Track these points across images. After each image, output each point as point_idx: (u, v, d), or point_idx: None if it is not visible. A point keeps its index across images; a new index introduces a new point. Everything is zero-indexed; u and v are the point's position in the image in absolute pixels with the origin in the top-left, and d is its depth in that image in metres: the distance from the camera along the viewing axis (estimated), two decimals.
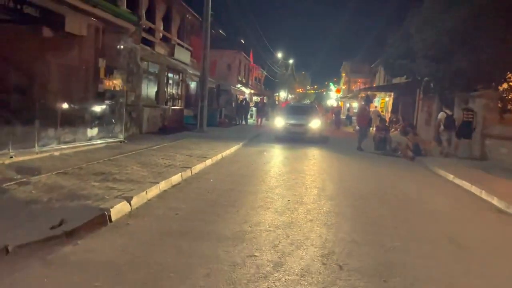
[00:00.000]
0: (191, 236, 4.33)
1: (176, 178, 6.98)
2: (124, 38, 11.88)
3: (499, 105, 13.11)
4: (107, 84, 10.92)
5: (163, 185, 6.37)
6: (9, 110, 7.76)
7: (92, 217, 4.45)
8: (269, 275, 3.45)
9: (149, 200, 5.68)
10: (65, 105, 9.04)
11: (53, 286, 3.08)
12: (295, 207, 5.76)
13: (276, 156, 11.74)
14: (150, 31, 16.66)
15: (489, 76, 13.10)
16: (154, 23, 16.94)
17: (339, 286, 3.34)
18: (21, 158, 7.02)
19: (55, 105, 8.47)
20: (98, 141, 9.92)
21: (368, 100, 17.85)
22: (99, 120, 10.22)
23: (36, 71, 8.89)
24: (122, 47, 11.78)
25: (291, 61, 60.71)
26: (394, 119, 23.76)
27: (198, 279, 3.30)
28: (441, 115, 12.73)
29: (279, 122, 16.28)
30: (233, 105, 27.19)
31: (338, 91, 49.76)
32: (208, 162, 9.12)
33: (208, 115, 17.81)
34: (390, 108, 27.70)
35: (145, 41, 15.55)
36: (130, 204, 5.16)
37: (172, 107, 18.27)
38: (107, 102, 10.78)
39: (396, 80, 25.07)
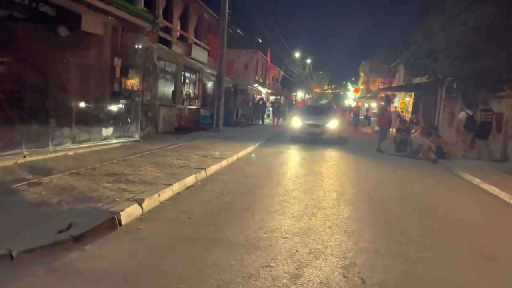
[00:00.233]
0: (203, 242, 4.12)
1: (190, 180, 6.80)
2: (141, 37, 11.79)
3: None
4: (123, 83, 10.84)
5: (176, 187, 6.19)
6: (24, 109, 7.72)
7: (101, 221, 4.29)
8: None
9: (161, 202, 5.50)
10: (80, 104, 8.98)
11: None
12: (313, 212, 5.48)
13: (293, 157, 11.46)
14: (167, 30, 16.59)
15: None
16: (171, 22, 16.87)
17: None
18: (34, 158, 6.96)
19: (70, 104, 8.40)
20: (113, 141, 9.84)
21: (388, 100, 17.34)
22: (115, 120, 10.14)
23: (51, 70, 8.86)
24: (138, 46, 11.69)
25: (308, 61, 60.14)
26: (414, 120, 23.14)
27: None
28: (462, 115, 12.29)
29: (296, 122, 15.96)
30: (249, 105, 26.99)
31: (356, 91, 49.01)
32: (224, 163, 8.92)
33: (224, 115, 17.65)
34: (410, 109, 27.01)
35: (162, 40, 15.48)
36: (141, 207, 4.99)
37: (189, 107, 18.18)
38: (122, 101, 10.71)
39: (416, 80, 24.43)
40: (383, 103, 17.57)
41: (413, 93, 26.19)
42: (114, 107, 10.35)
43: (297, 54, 52.78)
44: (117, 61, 10.59)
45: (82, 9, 8.85)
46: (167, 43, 16.16)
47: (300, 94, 57.09)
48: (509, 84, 12.80)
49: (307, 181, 7.78)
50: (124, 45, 11.13)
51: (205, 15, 21.41)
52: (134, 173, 6.76)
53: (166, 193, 5.79)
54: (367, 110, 34.24)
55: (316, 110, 17.66)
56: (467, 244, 4.66)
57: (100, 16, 9.61)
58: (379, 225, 5.17)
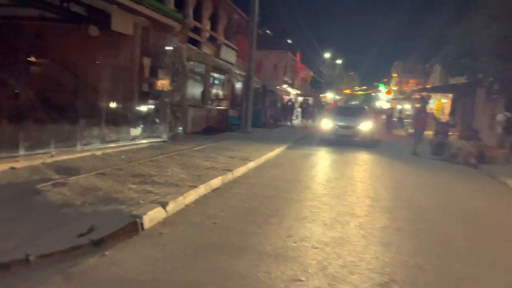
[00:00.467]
0: (228, 251, 3.86)
1: (216, 182, 6.58)
2: (170, 37, 11.74)
3: None
4: (152, 83, 10.81)
5: (202, 190, 5.97)
6: (54, 109, 7.76)
7: (124, 225, 4.11)
8: None
9: (186, 205, 5.30)
10: (109, 104, 8.99)
11: None
12: (345, 220, 5.12)
13: (322, 160, 11.06)
14: (197, 30, 16.57)
15: None
16: (201, 22, 16.84)
17: None
18: (62, 157, 6.94)
19: (99, 104, 8.41)
20: (142, 141, 9.79)
21: (425, 101, 16.58)
22: (143, 120, 10.11)
23: (81, 70, 8.91)
24: (168, 46, 11.64)
25: (339, 61, 59.09)
26: (451, 122, 22.08)
27: None
28: (501, 117, 11.57)
29: (326, 124, 15.50)
30: (278, 106, 26.67)
31: (388, 92, 47.68)
32: (251, 164, 8.67)
33: (252, 116, 17.44)
34: (447, 111, 25.85)
35: (192, 41, 15.44)
36: (165, 210, 4.79)
37: (217, 107, 18.07)
38: (151, 101, 10.67)
39: (454, 81, 23.33)
40: (418, 105, 16.84)
41: (450, 95, 25.06)
42: (143, 107, 10.32)
43: (327, 55, 51.98)
44: (146, 61, 10.56)
45: (113, 8, 8.83)
46: (196, 43, 16.12)
47: (330, 95, 56.14)
48: None
49: (339, 185, 7.39)
50: (153, 45, 11.09)
51: (234, 15, 21.31)
52: (160, 174, 6.61)
53: (191, 196, 5.59)
54: (401, 112, 33.01)
55: (347, 112, 17.13)
56: None
57: (130, 16, 9.59)
58: (419, 236, 4.75)
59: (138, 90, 10.53)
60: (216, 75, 18.20)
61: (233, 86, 22.05)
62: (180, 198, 5.26)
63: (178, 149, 9.69)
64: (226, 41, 20.08)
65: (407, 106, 37.87)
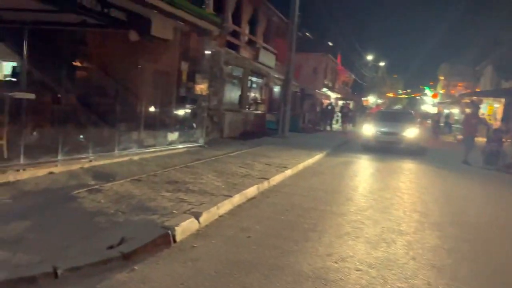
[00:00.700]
0: (262, 269, 3.58)
1: (251, 191, 6.33)
2: (209, 42, 11.69)
3: None
4: (190, 88, 10.78)
5: (237, 199, 5.75)
6: (93, 113, 7.86)
7: (155, 237, 3.94)
8: None
9: (220, 216, 5.08)
10: (147, 109, 9.01)
11: None
12: (392, 238, 4.68)
13: (365, 169, 10.53)
14: (235, 34, 16.48)
15: None
16: (239, 26, 16.74)
17: None
18: (100, 162, 6.98)
19: (138, 109, 8.43)
20: (178, 146, 9.76)
21: (476, 106, 15.48)
22: (180, 125, 10.08)
23: (120, 75, 9.00)
24: (206, 50, 11.59)
25: (382, 64, 57.33)
26: (504, 129, 20.56)
27: None
28: None
29: (369, 129, 14.84)
30: (317, 110, 26.12)
31: (435, 96, 45.56)
32: (288, 172, 8.35)
33: (290, 120, 17.11)
34: (499, 116, 24.18)
35: (230, 44, 15.38)
36: (198, 221, 4.60)
37: (254, 112, 17.91)
38: (188, 106, 10.63)
39: (507, 84, 21.79)
40: (469, 110, 15.76)
41: (502, 99, 23.42)
42: (180, 112, 10.31)
43: (369, 57, 50.55)
44: (184, 66, 10.56)
45: (153, 13, 8.86)
46: (235, 47, 16.04)
47: (372, 99, 54.53)
48: None
49: (383, 197, 6.90)
50: (191, 50, 11.08)
51: (273, 18, 21.09)
52: (195, 181, 6.46)
53: (226, 206, 5.37)
54: (448, 116, 31.28)
55: (392, 117, 16.31)
56: None
57: (169, 21, 9.59)
58: (477, 259, 4.24)
59: (176, 94, 10.54)
60: (254, 78, 18.05)
61: (271, 90, 21.83)
62: (214, 209, 5.06)
63: (214, 154, 9.56)
64: (265, 45, 19.89)
65: (455, 111, 35.92)
